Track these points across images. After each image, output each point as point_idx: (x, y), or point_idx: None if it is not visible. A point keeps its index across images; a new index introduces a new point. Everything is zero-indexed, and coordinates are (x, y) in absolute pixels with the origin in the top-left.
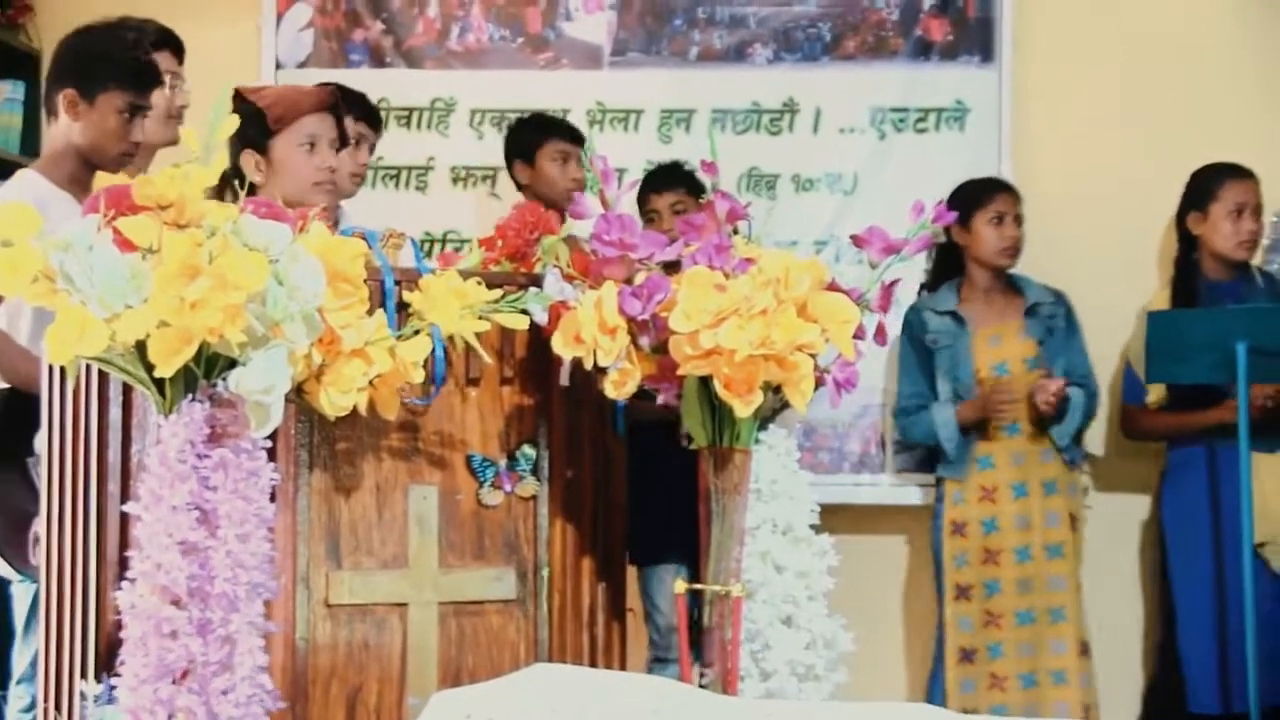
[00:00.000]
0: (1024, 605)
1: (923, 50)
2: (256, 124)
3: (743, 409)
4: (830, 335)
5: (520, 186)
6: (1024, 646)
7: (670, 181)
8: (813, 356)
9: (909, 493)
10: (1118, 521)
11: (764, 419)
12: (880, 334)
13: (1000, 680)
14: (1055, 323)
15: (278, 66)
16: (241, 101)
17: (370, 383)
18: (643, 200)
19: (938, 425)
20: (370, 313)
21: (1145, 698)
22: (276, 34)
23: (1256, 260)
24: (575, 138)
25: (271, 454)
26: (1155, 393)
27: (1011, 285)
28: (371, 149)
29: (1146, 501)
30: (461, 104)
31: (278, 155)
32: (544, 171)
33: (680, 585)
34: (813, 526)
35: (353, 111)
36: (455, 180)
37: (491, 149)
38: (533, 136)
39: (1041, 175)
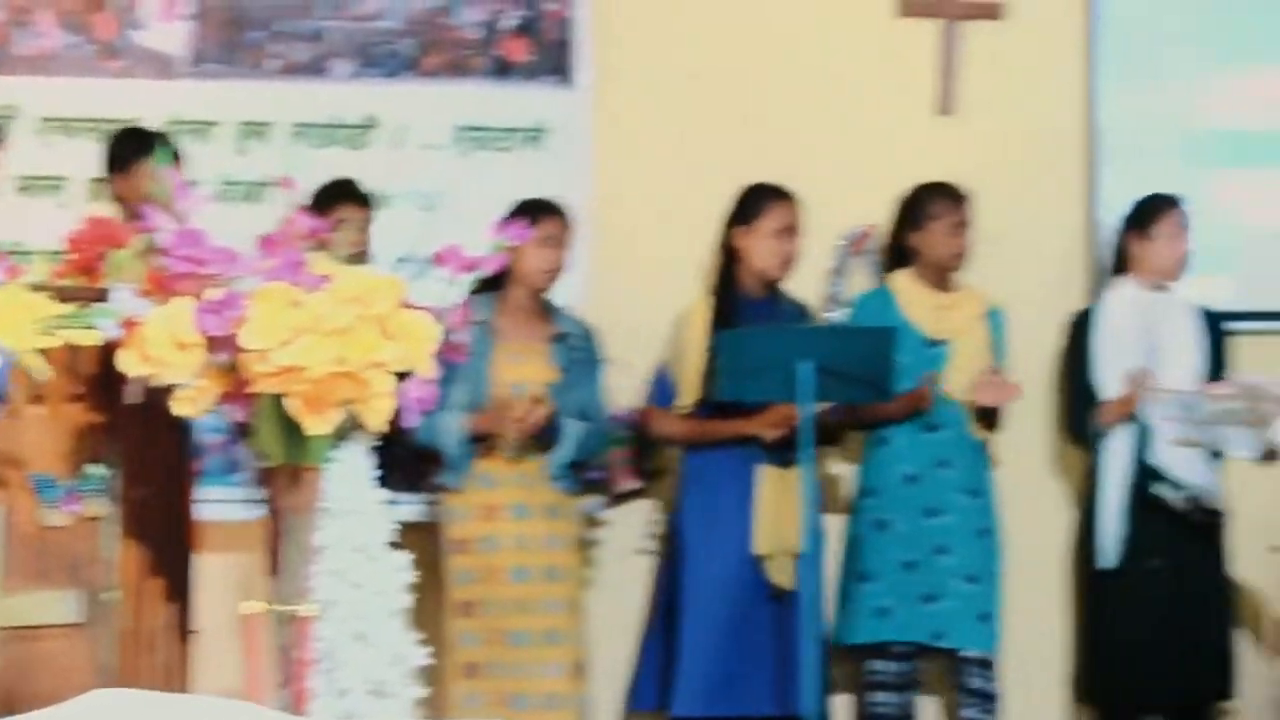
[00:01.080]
0: (519, 626)
1: (504, 70)
2: None
3: (317, 427)
4: (409, 353)
5: (118, 199)
6: (515, 668)
7: (341, 197)
8: (391, 374)
9: (411, 510)
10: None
11: (339, 436)
12: (458, 352)
13: (499, 697)
14: (580, 355)
15: None
16: None
17: None
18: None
19: (444, 430)
20: None
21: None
22: None
23: (820, 283)
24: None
25: None
26: (687, 398)
27: (546, 309)
28: None
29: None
30: (29, 111)
31: None
32: (140, 186)
33: (254, 605)
34: (389, 544)
35: None
36: (22, 190)
37: (63, 158)
38: (130, 149)
39: (622, 195)
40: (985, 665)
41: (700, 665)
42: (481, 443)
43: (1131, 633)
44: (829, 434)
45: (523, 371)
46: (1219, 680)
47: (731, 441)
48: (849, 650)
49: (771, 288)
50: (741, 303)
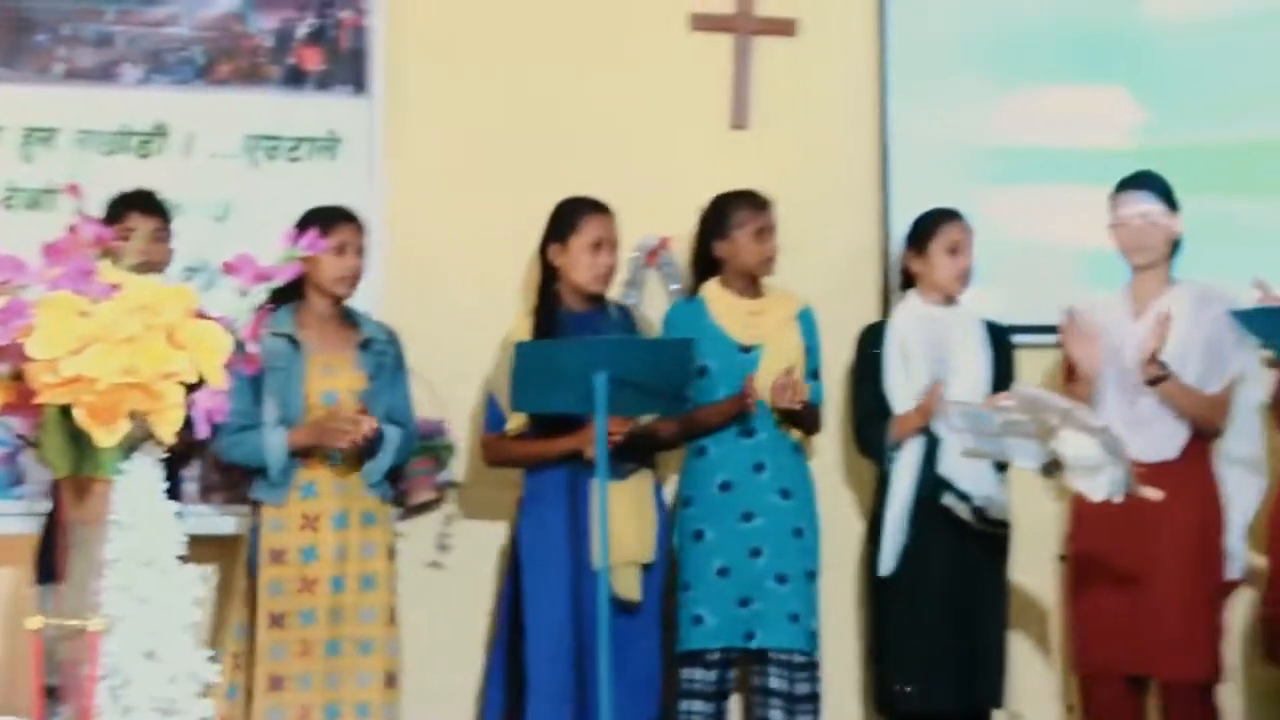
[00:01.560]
0: (333, 636)
1: (297, 79)
2: None
3: (105, 438)
4: (199, 364)
5: None
6: (330, 678)
7: (131, 206)
8: (181, 385)
9: (223, 523)
10: (478, 550)
11: (129, 448)
12: (250, 363)
13: (308, 711)
14: (386, 360)
15: None
16: None
17: None
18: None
19: (267, 448)
20: None
21: None
22: None
23: (615, 295)
24: None
25: None
26: (515, 421)
27: (348, 317)
28: None
29: (504, 528)
30: None
31: None
32: None
33: (35, 621)
34: (180, 558)
35: None
36: None
37: None
38: None
39: (415, 205)
40: (797, 667)
41: (548, 682)
42: (303, 456)
43: (911, 641)
44: (666, 444)
45: (333, 382)
46: (992, 691)
47: (563, 459)
48: (677, 658)
49: (595, 300)
50: (564, 318)
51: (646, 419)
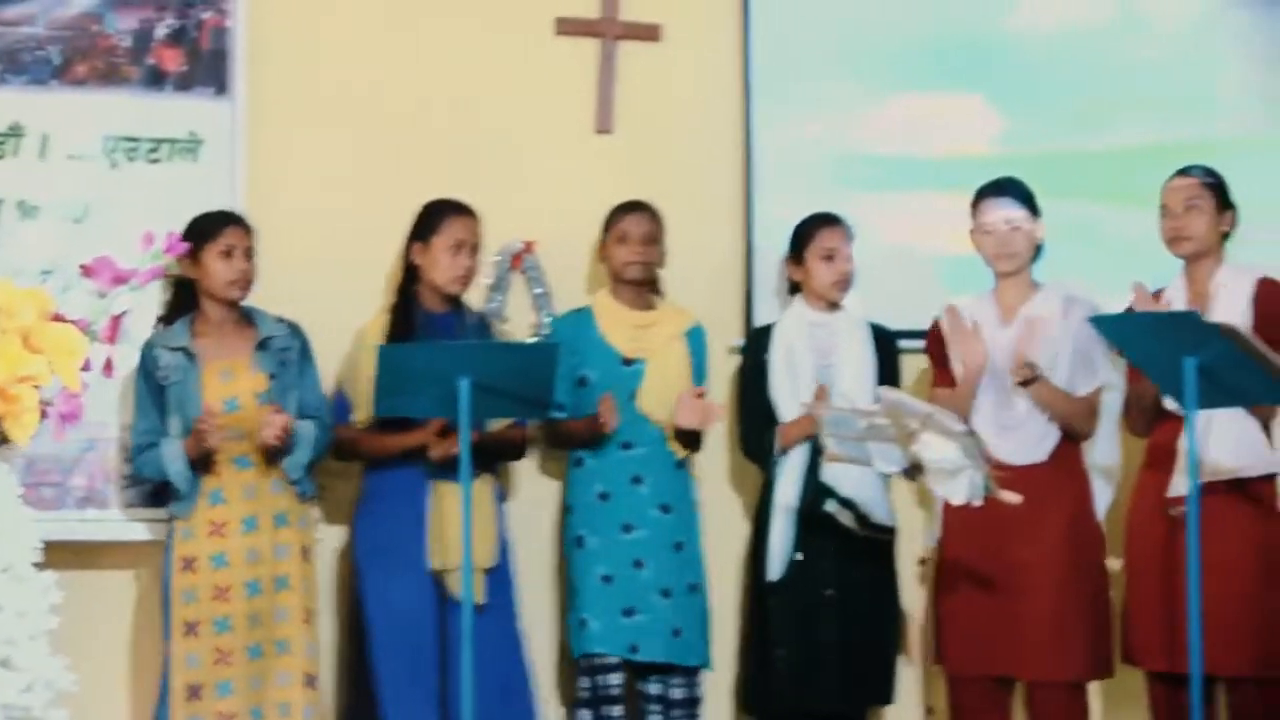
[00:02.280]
0: (254, 640)
1: (156, 79)
2: None
3: None
4: (55, 367)
5: None
6: (253, 680)
7: None
8: (37, 388)
9: (138, 529)
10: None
11: None
12: (108, 367)
13: (228, 717)
14: (289, 355)
15: None
16: None
17: None
18: None
19: (166, 461)
20: None
21: None
22: None
23: (479, 298)
24: None
25: None
26: (362, 412)
27: (246, 318)
28: None
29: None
30: None
31: None
32: None
33: None
34: (35, 564)
35: None
36: None
37: None
38: None
39: (277, 207)
40: (676, 672)
41: (398, 684)
42: (205, 465)
43: (797, 644)
44: (514, 449)
45: (234, 386)
46: (881, 689)
47: (406, 456)
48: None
49: (453, 302)
50: (421, 318)
51: (496, 424)
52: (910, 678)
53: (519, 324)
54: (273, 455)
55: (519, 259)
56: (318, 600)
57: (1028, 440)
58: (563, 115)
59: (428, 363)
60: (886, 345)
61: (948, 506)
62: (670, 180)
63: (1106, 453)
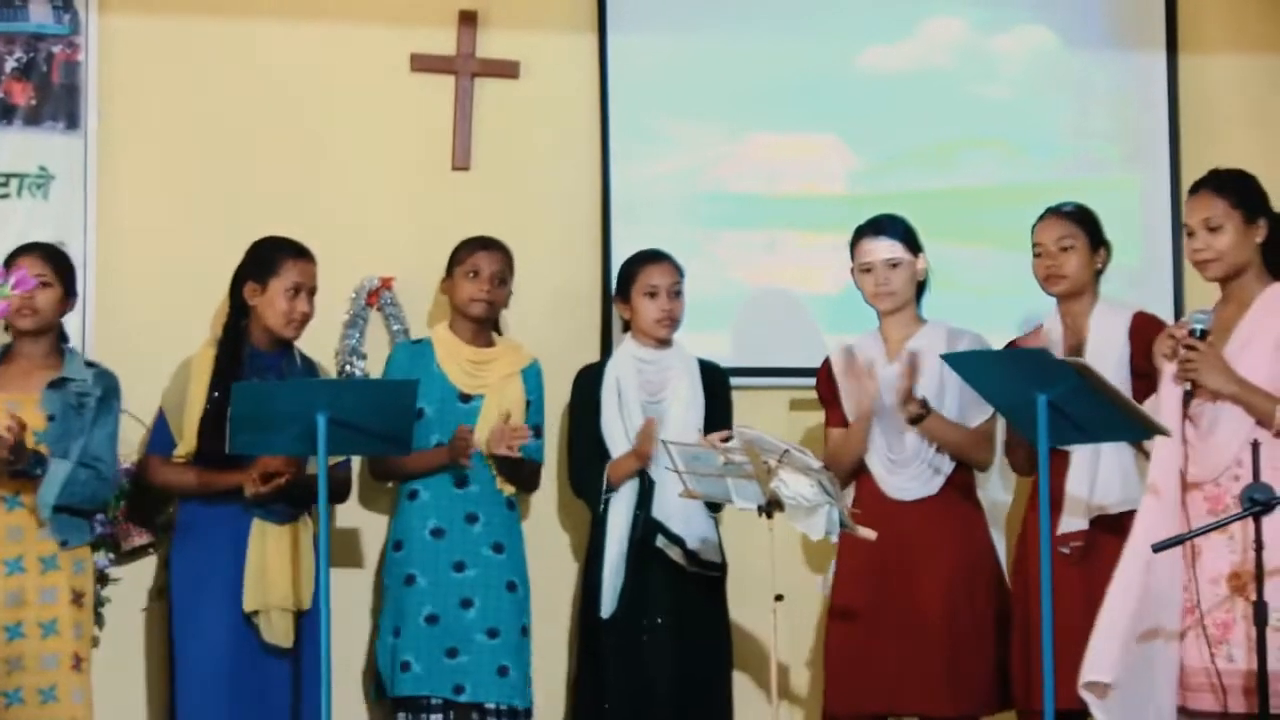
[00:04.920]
0: (13, 685)
1: (5, 114)
2: None
3: None
4: None
5: None
6: None
7: None
8: None
9: None
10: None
11: None
12: None
13: None
14: (86, 401)
15: None
16: None
17: None
18: None
19: None
20: None
21: None
22: None
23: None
24: None
25: None
26: (185, 445)
27: (58, 356)
28: None
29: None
30: None
31: None
32: None
33: None
34: None
35: None
36: None
37: None
38: None
39: (127, 242)
40: (504, 713)
41: None
42: None
43: (630, 681)
44: (342, 490)
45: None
46: None
47: (228, 493)
48: (393, 705)
49: (284, 344)
50: (249, 356)
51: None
52: (766, 713)
53: (377, 361)
54: (14, 476)
55: (376, 295)
56: (90, 647)
57: (920, 475)
58: (420, 152)
59: (285, 400)
60: (716, 382)
61: (842, 547)
62: (528, 216)
63: (996, 493)
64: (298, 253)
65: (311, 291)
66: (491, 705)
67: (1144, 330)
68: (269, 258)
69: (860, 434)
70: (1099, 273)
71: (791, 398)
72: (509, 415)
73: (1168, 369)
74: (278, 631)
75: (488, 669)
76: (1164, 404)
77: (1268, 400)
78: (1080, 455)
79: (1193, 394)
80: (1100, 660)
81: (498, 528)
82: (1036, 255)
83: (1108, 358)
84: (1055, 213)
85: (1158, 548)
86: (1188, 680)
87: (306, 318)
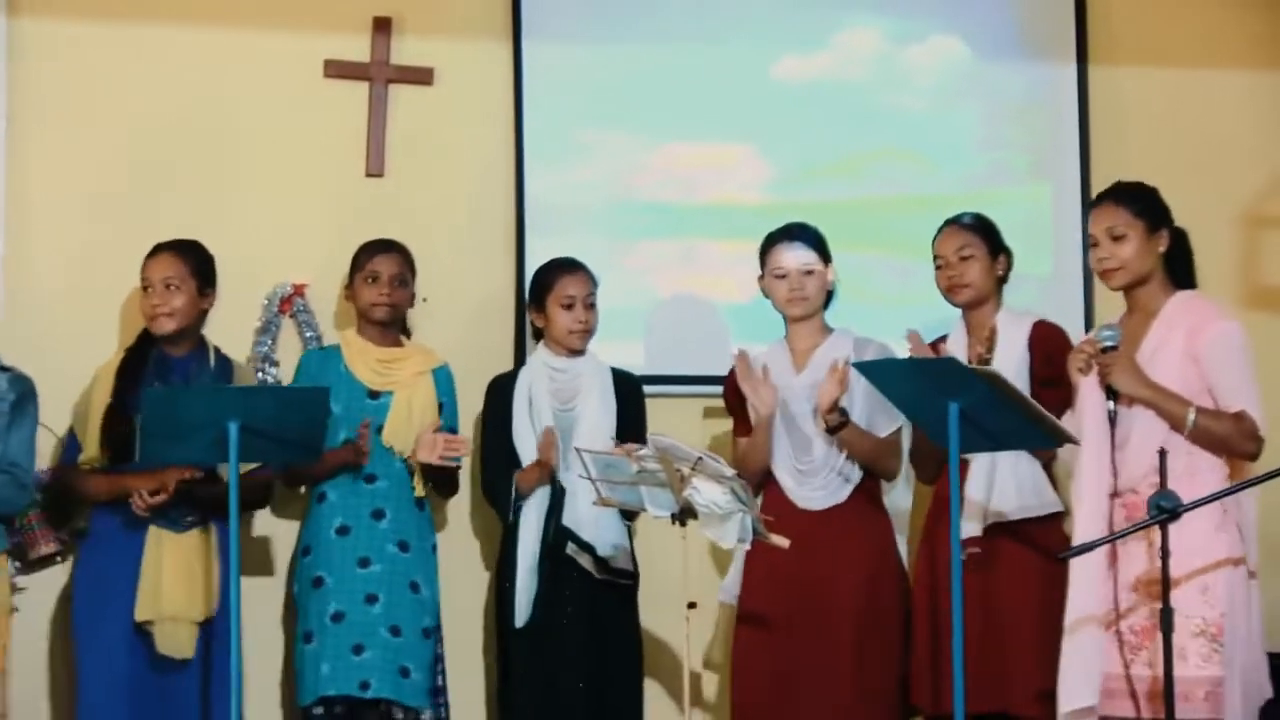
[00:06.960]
0: None
1: None
2: None
3: None
4: None
5: None
6: None
7: None
8: None
9: None
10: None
11: None
12: None
13: None
14: (1, 405)
15: None
16: None
17: None
18: None
19: None
20: None
21: None
22: None
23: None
24: None
25: None
26: (89, 452)
27: None
28: None
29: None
30: None
31: None
32: None
33: None
34: None
35: None
36: None
37: None
38: None
39: (35, 243)
40: (402, 713)
41: None
42: None
43: (543, 690)
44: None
45: None
46: None
47: (124, 500)
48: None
49: (197, 344)
50: (158, 360)
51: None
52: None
53: (289, 367)
54: None
55: (289, 302)
56: (4, 659)
57: (828, 484)
58: (333, 158)
59: (196, 407)
60: (631, 392)
61: (751, 556)
62: (442, 223)
63: (898, 499)
64: (154, 250)
65: (168, 283)
66: (400, 707)
67: (1044, 340)
68: (148, 260)
69: (761, 442)
70: (1001, 279)
71: (705, 406)
72: (439, 424)
73: (1085, 382)
74: (173, 642)
75: (391, 666)
76: (1086, 415)
77: (1180, 404)
78: (979, 463)
79: (1116, 404)
80: (1078, 686)
81: (404, 525)
82: (938, 267)
83: (1008, 366)
84: (953, 224)
85: (1063, 557)
86: (1105, 686)
87: (158, 310)
